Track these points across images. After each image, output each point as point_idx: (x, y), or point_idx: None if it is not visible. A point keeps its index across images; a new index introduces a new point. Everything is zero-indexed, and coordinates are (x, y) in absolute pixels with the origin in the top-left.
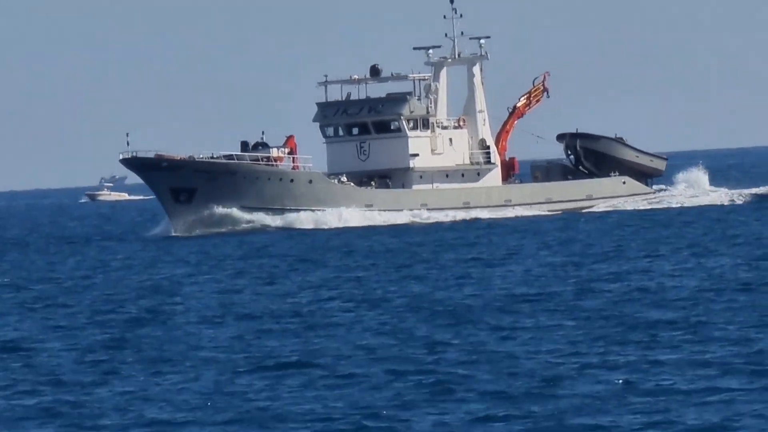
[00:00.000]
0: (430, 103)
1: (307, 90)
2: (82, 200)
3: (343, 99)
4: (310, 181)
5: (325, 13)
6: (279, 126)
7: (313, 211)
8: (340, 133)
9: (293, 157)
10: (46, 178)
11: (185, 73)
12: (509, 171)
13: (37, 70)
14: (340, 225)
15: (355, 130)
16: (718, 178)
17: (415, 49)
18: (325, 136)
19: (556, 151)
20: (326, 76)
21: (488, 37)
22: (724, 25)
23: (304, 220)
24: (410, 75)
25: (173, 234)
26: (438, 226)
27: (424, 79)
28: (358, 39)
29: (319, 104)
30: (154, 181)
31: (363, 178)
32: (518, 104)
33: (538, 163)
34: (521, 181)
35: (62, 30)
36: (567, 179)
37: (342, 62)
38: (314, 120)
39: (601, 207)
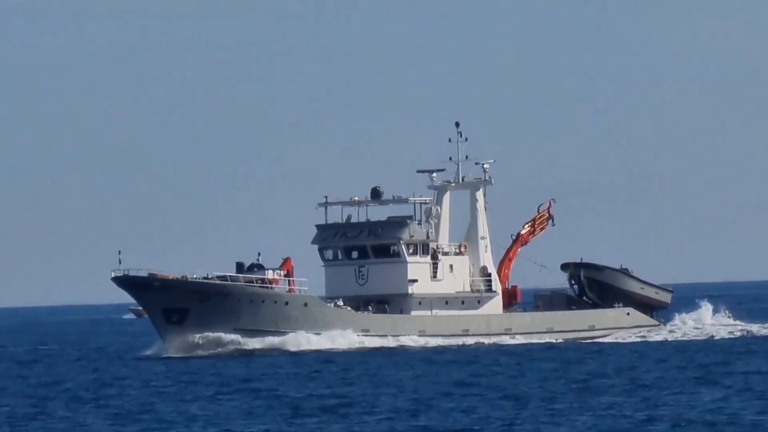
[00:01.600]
0: (431, 228)
1: (306, 210)
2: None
3: (344, 221)
4: (306, 305)
5: (326, 132)
6: (276, 247)
7: (306, 333)
8: (339, 256)
9: (289, 280)
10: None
11: (181, 190)
12: (511, 299)
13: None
14: (335, 347)
15: (355, 254)
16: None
17: (418, 172)
18: (323, 259)
19: (560, 281)
20: (326, 197)
21: (493, 161)
22: (731, 156)
23: (293, 342)
24: (411, 198)
25: (165, 355)
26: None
27: (425, 203)
28: (360, 159)
29: (318, 226)
30: (146, 301)
31: (360, 303)
32: (522, 231)
33: (541, 292)
34: (524, 310)
35: (56, 142)
36: (571, 309)
37: (343, 182)
38: (313, 242)
39: (603, 338)
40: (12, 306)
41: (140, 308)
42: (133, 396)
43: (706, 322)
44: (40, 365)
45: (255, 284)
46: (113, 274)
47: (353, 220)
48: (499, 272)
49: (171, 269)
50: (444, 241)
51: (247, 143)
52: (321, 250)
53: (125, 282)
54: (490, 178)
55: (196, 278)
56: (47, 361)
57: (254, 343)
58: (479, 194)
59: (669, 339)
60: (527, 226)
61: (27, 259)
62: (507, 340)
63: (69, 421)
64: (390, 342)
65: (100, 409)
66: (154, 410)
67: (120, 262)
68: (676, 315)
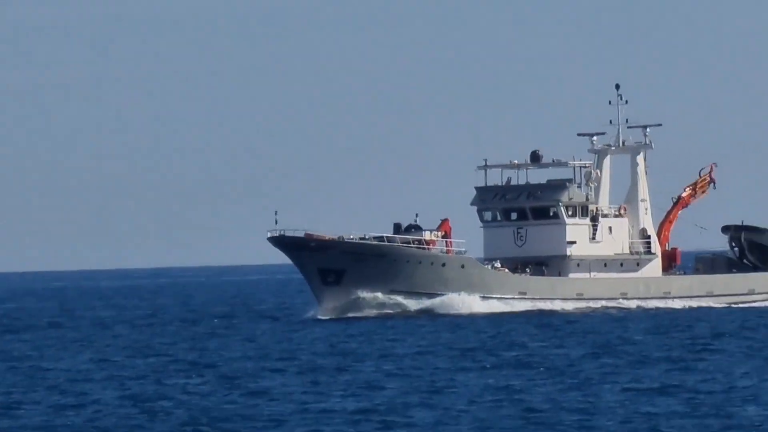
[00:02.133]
0: (590, 191)
1: (465, 173)
2: None
3: (503, 184)
4: (463, 266)
5: (487, 95)
6: (434, 208)
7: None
8: (498, 217)
9: (447, 241)
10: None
11: (342, 150)
12: (671, 262)
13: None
14: (489, 311)
15: (513, 215)
16: None
17: (579, 135)
18: (482, 220)
19: (722, 243)
20: (486, 160)
21: (659, 125)
22: None
23: (447, 305)
24: (570, 162)
25: (320, 317)
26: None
27: (584, 167)
28: (520, 123)
29: (477, 188)
30: (302, 262)
31: (518, 264)
32: (683, 194)
33: (702, 255)
34: (684, 273)
35: (211, 100)
36: (732, 272)
37: (502, 146)
38: (472, 203)
39: (762, 302)
40: (169, 266)
41: None
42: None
43: None
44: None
45: (412, 245)
46: (269, 234)
47: (512, 183)
48: (658, 234)
49: (328, 230)
50: (604, 204)
51: (410, 104)
52: (480, 212)
53: (281, 242)
54: (650, 142)
55: (352, 239)
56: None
57: (412, 305)
58: (640, 158)
59: None
60: (688, 189)
61: (180, 218)
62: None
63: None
64: (546, 305)
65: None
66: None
67: (276, 222)
68: None
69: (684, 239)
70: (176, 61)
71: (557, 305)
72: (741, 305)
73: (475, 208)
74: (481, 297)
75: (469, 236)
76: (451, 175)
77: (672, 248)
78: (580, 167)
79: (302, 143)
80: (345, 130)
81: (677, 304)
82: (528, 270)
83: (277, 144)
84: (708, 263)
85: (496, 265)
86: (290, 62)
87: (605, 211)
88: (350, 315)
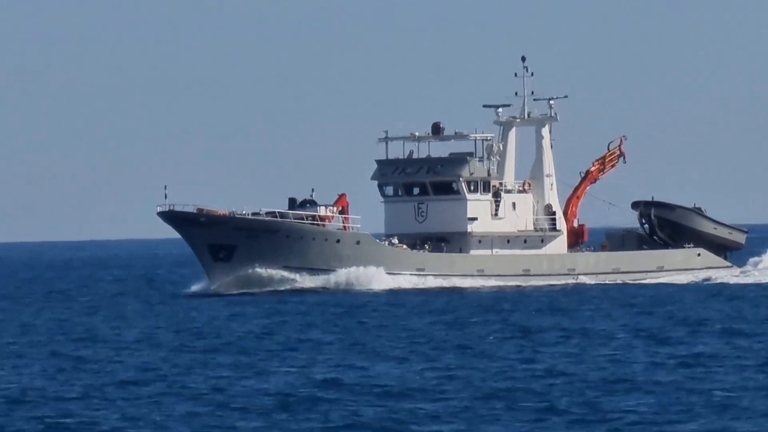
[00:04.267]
0: (493, 165)
1: (366, 146)
2: None
3: (405, 157)
4: (358, 242)
5: (391, 64)
6: (333, 183)
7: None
8: (399, 192)
9: (343, 217)
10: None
11: (234, 122)
12: (578, 238)
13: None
14: (383, 288)
15: (415, 190)
16: None
17: (484, 106)
18: (383, 195)
19: (632, 220)
20: (387, 132)
21: (565, 97)
22: None
23: (341, 280)
24: (472, 135)
25: (211, 292)
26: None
27: (486, 140)
28: (424, 95)
29: (378, 161)
30: (192, 237)
31: (418, 241)
32: (591, 169)
33: (612, 231)
34: (593, 250)
35: (101, 69)
36: (642, 249)
37: (405, 118)
38: (372, 178)
39: (669, 279)
40: (58, 240)
41: None
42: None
43: None
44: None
45: (306, 221)
46: (159, 209)
47: (415, 156)
48: (566, 210)
49: (222, 206)
50: (510, 178)
51: (305, 73)
52: (380, 186)
53: (171, 217)
54: (555, 114)
55: (244, 214)
56: None
57: (304, 281)
58: (545, 131)
59: (733, 282)
60: (596, 163)
61: (71, 194)
62: (570, 281)
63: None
64: (446, 282)
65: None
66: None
67: (166, 197)
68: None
69: (593, 216)
70: (63, 25)
71: (457, 282)
72: (647, 282)
73: (375, 182)
74: (385, 272)
75: (371, 211)
76: (350, 147)
77: (580, 225)
78: (482, 140)
79: (194, 114)
80: (238, 100)
81: (582, 281)
82: (427, 246)
83: (167, 115)
84: (618, 240)
85: (393, 241)
86: (183, 24)
87: (509, 187)
88: (242, 291)
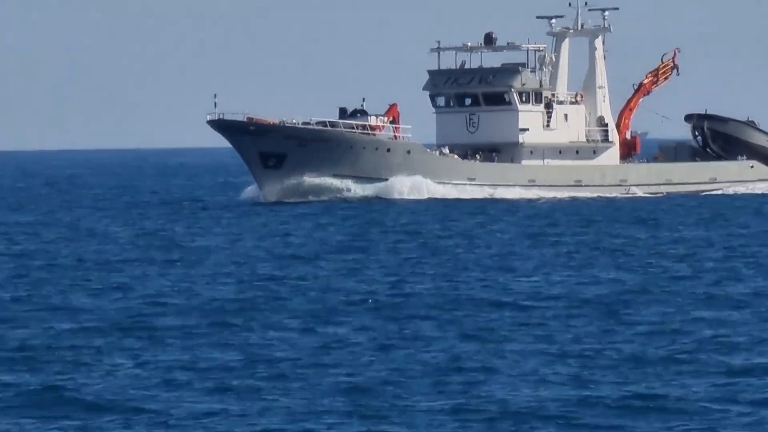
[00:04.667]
0: (545, 76)
1: (418, 56)
2: None
3: (457, 68)
4: (408, 152)
5: None
6: (384, 93)
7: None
8: (451, 103)
9: (394, 127)
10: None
11: (286, 32)
12: (631, 150)
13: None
14: (426, 197)
15: (468, 101)
16: None
17: (538, 18)
18: (435, 106)
19: (685, 132)
20: (439, 42)
21: (616, 9)
22: None
23: (390, 189)
24: (524, 45)
25: (261, 200)
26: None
27: (539, 50)
28: (477, 4)
29: (430, 72)
30: (242, 145)
31: (469, 151)
32: (644, 81)
33: (665, 144)
34: (647, 161)
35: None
36: (695, 161)
37: (458, 28)
38: (424, 88)
39: (726, 190)
40: (113, 147)
41: None
42: None
43: None
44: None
45: (356, 130)
46: (209, 118)
47: (467, 66)
48: (618, 122)
49: (271, 114)
50: (562, 89)
51: None
52: (432, 97)
53: (220, 126)
54: (609, 25)
55: (294, 123)
56: None
57: (357, 189)
58: (598, 42)
59: None
60: (650, 75)
61: (121, 100)
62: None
63: None
64: (497, 192)
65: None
66: None
67: (215, 106)
68: None
69: (646, 127)
70: None
71: (508, 192)
72: (703, 194)
73: (427, 93)
74: (433, 182)
75: (423, 122)
76: (402, 58)
77: (633, 136)
78: (535, 51)
79: (245, 23)
80: (289, 8)
81: (634, 192)
82: (478, 157)
83: (218, 24)
84: (671, 152)
85: (444, 151)
86: None
87: (561, 98)
88: (293, 200)
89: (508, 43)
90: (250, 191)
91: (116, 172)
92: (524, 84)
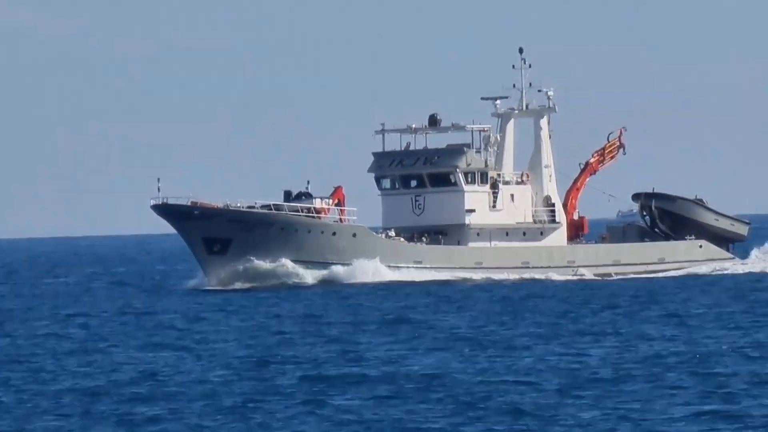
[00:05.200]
0: (490, 156)
1: (363, 138)
2: None
3: (402, 149)
4: (354, 235)
5: (387, 56)
6: (330, 175)
7: (349, 265)
8: (396, 185)
9: (340, 209)
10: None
11: (232, 116)
12: (578, 231)
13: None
14: (374, 280)
15: (413, 183)
16: None
17: (482, 99)
18: (380, 188)
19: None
20: (383, 124)
21: (556, 88)
22: None
23: (339, 274)
24: (469, 125)
25: (208, 287)
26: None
27: (483, 131)
28: (420, 86)
29: (375, 154)
30: (186, 230)
31: (415, 234)
32: (591, 160)
33: (614, 223)
34: (595, 242)
35: (95, 65)
36: (644, 241)
37: (402, 110)
38: (369, 170)
39: (672, 272)
40: (50, 236)
41: None
42: None
43: None
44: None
45: (302, 213)
46: (152, 202)
47: (412, 148)
48: (565, 202)
49: (215, 198)
50: (508, 169)
51: (302, 65)
52: (377, 179)
53: (165, 210)
54: (554, 105)
55: (239, 207)
56: None
57: (303, 275)
58: (543, 122)
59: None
60: (596, 154)
61: (62, 188)
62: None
63: None
64: (444, 275)
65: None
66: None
67: (159, 190)
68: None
69: (594, 208)
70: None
71: (455, 274)
72: (650, 275)
73: (372, 175)
74: (385, 266)
75: (369, 205)
76: (347, 140)
77: (580, 217)
78: (480, 131)
79: (190, 106)
80: (234, 92)
81: (582, 273)
82: (424, 239)
83: (162, 108)
84: (619, 232)
85: (390, 233)
86: (176, 15)
87: (507, 178)
88: (238, 286)
89: (452, 124)
90: (196, 281)
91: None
92: (470, 164)
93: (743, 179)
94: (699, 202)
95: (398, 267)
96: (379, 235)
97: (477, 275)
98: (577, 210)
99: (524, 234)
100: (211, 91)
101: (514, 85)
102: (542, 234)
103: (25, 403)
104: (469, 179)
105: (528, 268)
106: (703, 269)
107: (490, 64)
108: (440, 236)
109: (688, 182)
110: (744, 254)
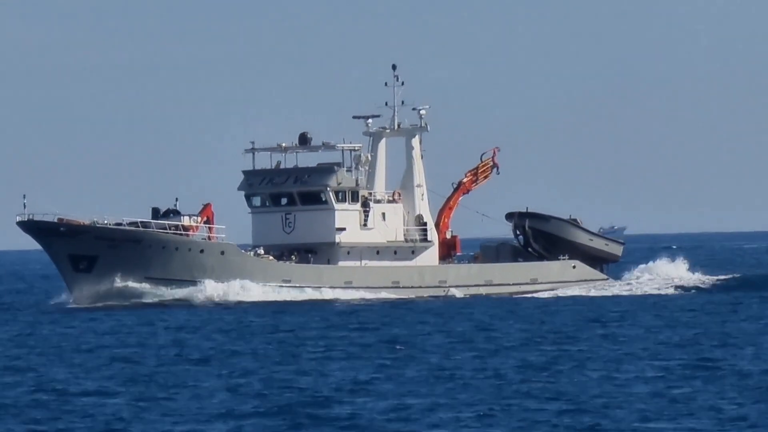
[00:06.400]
0: (361, 175)
1: (233, 156)
2: None
3: (273, 167)
4: (222, 253)
5: (256, 73)
6: (199, 193)
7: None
8: (267, 203)
9: (208, 227)
10: None
11: (101, 132)
12: (451, 250)
13: None
14: (242, 299)
15: (284, 200)
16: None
17: (354, 118)
18: (250, 206)
19: (508, 231)
20: (253, 142)
21: (428, 107)
22: (682, 105)
23: (205, 292)
24: (339, 144)
25: (71, 305)
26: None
27: (354, 150)
28: (291, 104)
29: (245, 172)
30: (52, 247)
31: (285, 252)
32: (464, 180)
33: (488, 243)
34: (468, 262)
35: None
36: (517, 261)
37: (272, 128)
38: (239, 188)
39: (545, 292)
40: None
41: None
42: None
43: (662, 275)
44: None
45: (169, 231)
46: (18, 219)
47: (282, 166)
48: (438, 221)
49: (83, 215)
50: (380, 188)
51: (170, 80)
52: (248, 197)
53: (30, 227)
54: (426, 124)
55: (106, 224)
56: None
57: (166, 293)
58: (415, 141)
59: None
60: (469, 174)
61: None
62: (440, 293)
63: None
64: (313, 294)
65: None
66: None
67: (25, 207)
68: (633, 268)
69: (467, 227)
70: None
71: (324, 293)
72: (521, 295)
73: (242, 193)
74: (253, 284)
75: (239, 223)
76: (216, 157)
77: (452, 236)
78: (351, 150)
79: (56, 121)
80: (100, 106)
81: (453, 293)
82: (293, 257)
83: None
84: (492, 252)
85: (259, 251)
86: (41, 39)
87: (378, 197)
88: (104, 304)
89: (323, 143)
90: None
91: None
92: (340, 183)
93: (617, 200)
94: (573, 222)
95: (267, 285)
96: (248, 253)
97: (347, 294)
98: (449, 229)
99: (395, 253)
100: (79, 106)
101: (386, 103)
102: (413, 253)
103: None
104: (340, 198)
105: (398, 287)
106: (576, 290)
107: (363, 81)
108: (310, 255)
109: (563, 201)
110: (617, 275)
